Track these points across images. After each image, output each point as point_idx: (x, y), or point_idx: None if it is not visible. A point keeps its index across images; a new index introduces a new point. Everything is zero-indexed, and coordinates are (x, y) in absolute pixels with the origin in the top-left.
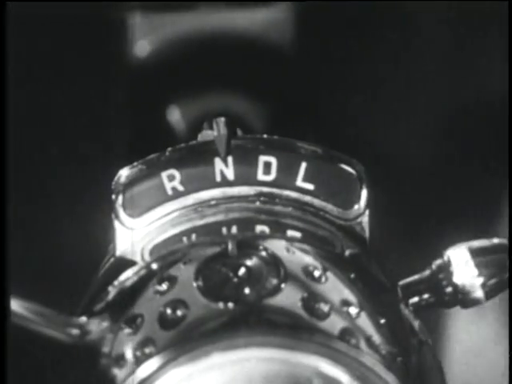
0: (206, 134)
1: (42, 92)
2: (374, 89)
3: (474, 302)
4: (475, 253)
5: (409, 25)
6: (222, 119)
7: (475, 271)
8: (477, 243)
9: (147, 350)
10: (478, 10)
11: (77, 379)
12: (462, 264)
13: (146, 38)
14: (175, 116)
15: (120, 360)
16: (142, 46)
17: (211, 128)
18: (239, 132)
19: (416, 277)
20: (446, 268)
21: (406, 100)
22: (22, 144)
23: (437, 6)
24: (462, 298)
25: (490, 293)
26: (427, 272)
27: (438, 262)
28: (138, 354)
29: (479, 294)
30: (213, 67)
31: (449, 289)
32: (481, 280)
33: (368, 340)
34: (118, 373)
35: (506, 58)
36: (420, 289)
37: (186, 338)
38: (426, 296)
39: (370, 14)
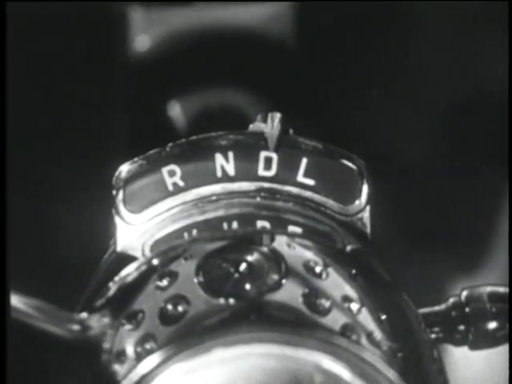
0: (258, 126)
1: (42, 87)
2: (374, 85)
3: (483, 346)
4: (493, 299)
5: (408, 23)
6: (278, 115)
7: (490, 317)
8: (496, 289)
9: (148, 346)
10: (479, 9)
11: (78, 375)
12: (478, 307)
13: (145, 32)
14: (176, 111)
15: (121, 356)
16: (142, 41)
17: (265, 121)
18: (291, 131)
19: (430, 309)
20: (461, 307)
21: (407, 95)
22: (23, 139)
23: (437, 5)
24: (473, 340)
25: (500, 339)
26: (442, 307)
27: (454, 299)
28: (139, 349)
29: (490, 339)
30: (213, 62)
31: (461, 327)
32: (494, 326)
33: (369, 336)
34: (119, 369)
35: (506, 57)
36: (432, 322)
37: (186, 334)
38: (436, 329)
39: (370, 12)
